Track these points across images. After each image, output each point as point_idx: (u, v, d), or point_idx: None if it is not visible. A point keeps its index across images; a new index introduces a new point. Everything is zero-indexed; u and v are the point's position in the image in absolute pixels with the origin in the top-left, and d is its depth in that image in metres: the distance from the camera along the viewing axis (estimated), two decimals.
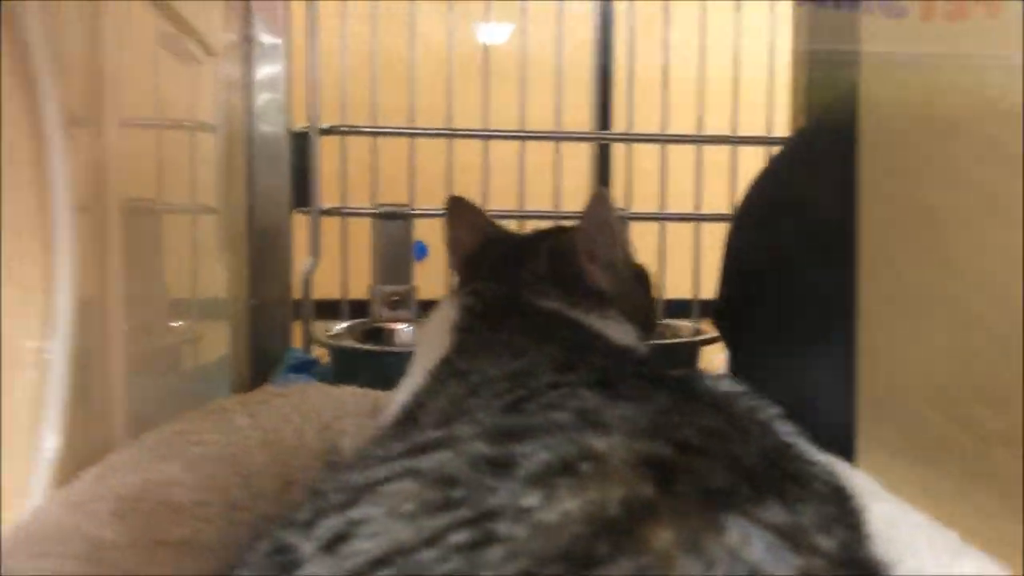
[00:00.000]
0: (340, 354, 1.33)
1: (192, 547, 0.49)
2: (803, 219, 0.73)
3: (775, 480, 0.33)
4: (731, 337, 0.87)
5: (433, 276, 1.51)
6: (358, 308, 1.51)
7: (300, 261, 1.48)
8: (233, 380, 1.27)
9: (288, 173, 1.43)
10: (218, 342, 1.27)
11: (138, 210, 0.80)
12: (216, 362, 1.24)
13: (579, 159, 1.95)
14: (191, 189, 1.17)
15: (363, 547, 0.29)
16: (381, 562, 0.28)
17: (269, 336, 1.46)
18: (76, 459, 0.56)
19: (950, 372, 0.50)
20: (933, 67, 0.51)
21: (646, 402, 0.40)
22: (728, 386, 0.47)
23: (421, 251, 1.63)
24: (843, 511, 0.34)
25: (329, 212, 1.47)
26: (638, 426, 0.35)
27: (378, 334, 1.46)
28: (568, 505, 0.29)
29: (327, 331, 1.39)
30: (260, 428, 0.69)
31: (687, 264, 1.52)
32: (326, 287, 1.50)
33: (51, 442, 0.55)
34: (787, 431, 0.42)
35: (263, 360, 1.41)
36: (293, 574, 0.30)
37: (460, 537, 0.28)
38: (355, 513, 0.32)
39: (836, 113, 0.74)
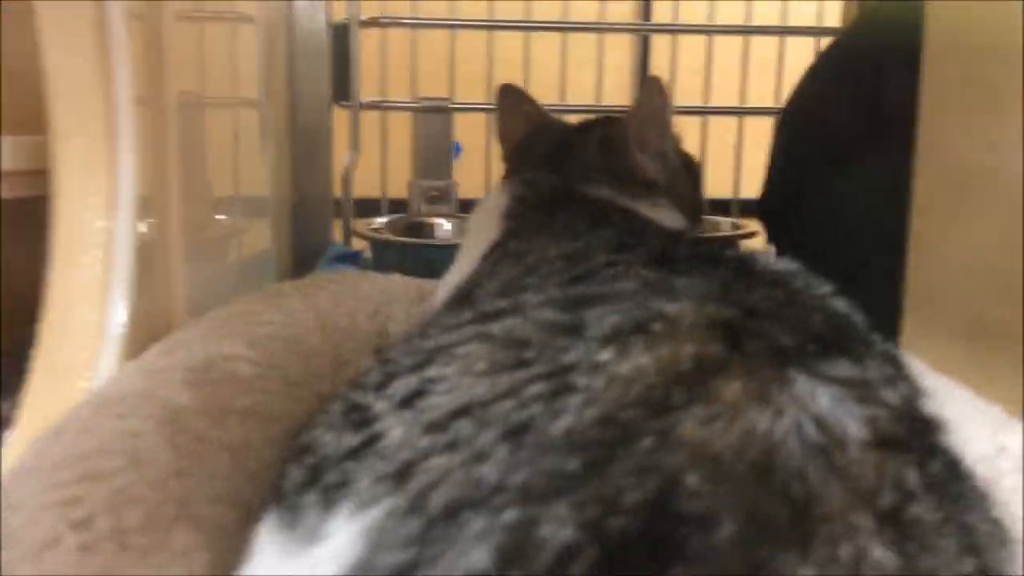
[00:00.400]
0: (382, 247, 1.35)
1: (256, 416, 0.51)
2: (855, 112, 0.72)
3: (840, 341, 0.34)
4: (776, 233, 0.87)
5: (468, 174, 1.51)
6: (397, 207, 1.52)
7: (341, 156, 1.49)
8: (276, 274, 1.29)
9: (328, 67, 1.42)
10: (261, 236, 1.29)
11: (187, 104, 0.80)
12: (259, 255, 1.26)
13: (621, 53, 1.91)
14: (233, 83, 1.17)
15: (439, 402, 0.31)
16: (458, 414, 0.29)
17: (311, 231, 1.47)
18: (142, 335, 0.58)
19: (1004, 253, 0.50)
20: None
21: (707, 276, 0.40)
22: (784, 265, 0.47)
23: (456, 150, 1.62)
24: (903, 372, 0.35)
25: (369, 106, 1.47)
26: (704, 293, 0.36)
27: (418, 228, 1.47)
28: (642, 360, 0.30)
29: (368, 225, 1.41)
30: (315, 311, 0.71)
31: (729, 162, 1.51)
32: (366, 184, 1.50)
33: (119, 316, 0.57)
34: (843, 305, 0.42)
35: (305, 254, 1.43)
36: (371, 428, 0.32)
37: (537, 388, 0.29)
38: (428, 372, 0.33)
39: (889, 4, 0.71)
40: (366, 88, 1.45)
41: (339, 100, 1.45)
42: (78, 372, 0.56)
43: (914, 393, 0.33)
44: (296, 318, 0.69)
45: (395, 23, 1.44)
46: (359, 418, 0.33)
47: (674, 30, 1.51)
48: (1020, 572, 0.31)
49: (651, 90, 0.75)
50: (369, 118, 1.47)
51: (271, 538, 0.31)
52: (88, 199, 0.58)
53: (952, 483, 0.31)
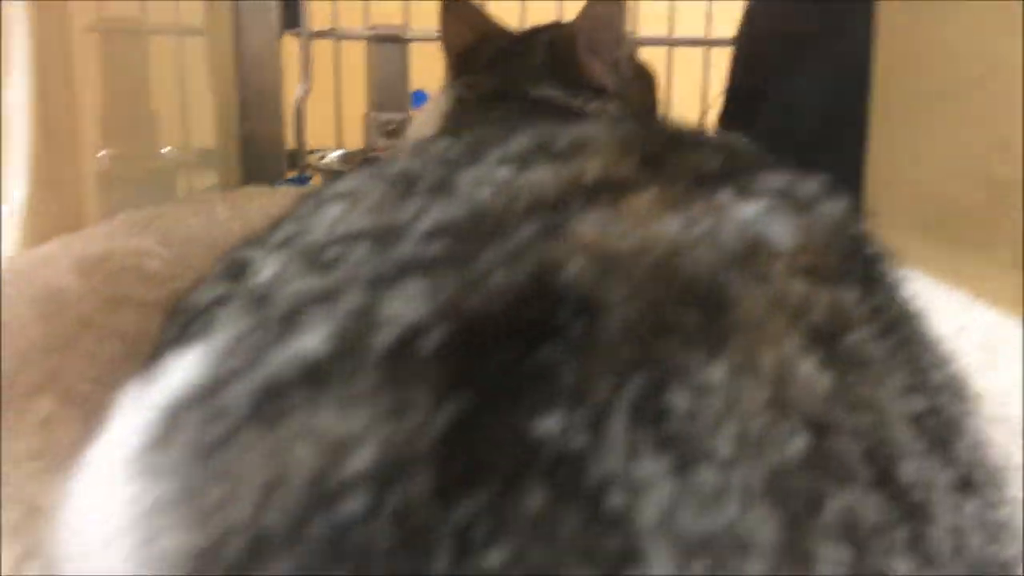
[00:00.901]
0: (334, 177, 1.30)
1: (162, 309, 0.47)
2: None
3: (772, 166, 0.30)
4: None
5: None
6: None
7: (291, 89, 1.43)
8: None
9: None
10: (208, 173, 1.24)
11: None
12: (207, 192, 1.21)
13: None
14: (175, 8, 1.11)
15: (316, 237, 0.27)
16: (332, 243, 0.26)
17: (262, 168, 1.42)
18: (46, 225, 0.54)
19: (967, 130, 0.47)
20: None
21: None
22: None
23: (420, 99, 1.57)
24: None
25: (320, 34, 1.41)
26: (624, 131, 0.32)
27: (372, 161, 1.42)
28: (539, 174, 0.26)
29: (321, 159, 1.36)
30: (241, 219, 0.67)
31: (695, 93, 1.46)
32: (319, 124, 1.45)
33: (17, 191, 0.52)
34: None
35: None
36: (243, 273, 0.28)
37: (415, 202, 0.25)
38: (313, 217, 0.29)
39: None
40: (317, 17, 1.39)
41: (288, 28, 1.39)
42: None
43: (859, 225, 0.30)
44: (220, 225, 0.65)
45: None
46: (236, 270, 0.29)
47: None
48: (978, 421, 0.27)
49: None
50: (321, 47, 1.41)
51: (130, 394, 0.27)
52: None
53: (901, 320, 0.27)
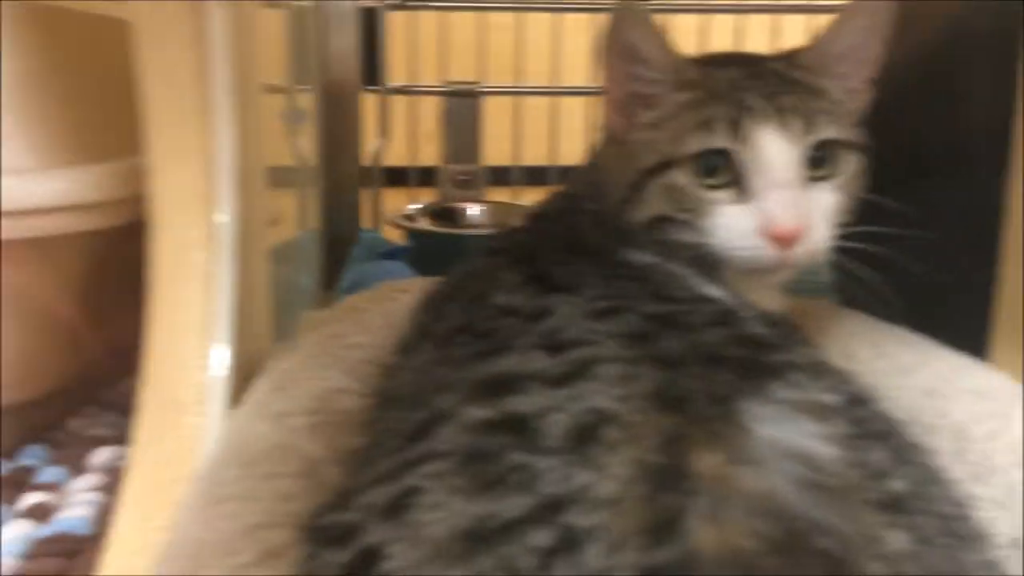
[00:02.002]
0: (418, 237, 1.35)
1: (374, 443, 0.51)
2: (934, 128, 0.71)
3: (757, 361, 0.37)
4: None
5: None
6: (424, 175, 1.51)
7: (370, 142, 1.48)
8: (316, 260, 1.29)
9: (357, 51, 1.40)
10: (294, 222, 1.28)
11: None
12: (298, 242, 1.26)
13: None
14: (267, 70, 1.15)
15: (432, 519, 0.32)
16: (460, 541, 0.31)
17: (340, 217, 1.47)
18: (242, 363, 0.59)
19: None
20: None
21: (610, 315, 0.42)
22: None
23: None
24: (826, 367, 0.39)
25: (398, 90, 1.45)
26: (620, 355, 0.37)
27: (449, 214, 1.46)
28: (619, 471, 0.31)
29: (400, 212, 1.40)
30: (393, 327, 0.71)
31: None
32: (393, 156, 1.50)
33: (224, 350, 0.58)
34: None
35: (335, 240, 1.42)
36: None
37: (539, 539, 0.30)
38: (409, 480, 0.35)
39: None
40: (395, 73, 1.44)
41: (368, 85, 1.44)
42: (188, 408, 0.56)
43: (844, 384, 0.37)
44: (380, 336, 0.69)
45: (423, 6, 1.42)
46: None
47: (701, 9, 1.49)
48: None
49: None
50: (398, 103, 1.46)
51: None
52: (189, 232, 0.58)
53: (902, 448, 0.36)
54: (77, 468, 0.80)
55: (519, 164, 1.53)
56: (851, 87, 0.61)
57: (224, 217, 0.58)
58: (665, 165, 0.58)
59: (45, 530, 0.69)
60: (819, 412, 0.33)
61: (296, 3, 1.21)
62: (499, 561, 0.30)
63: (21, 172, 0.67)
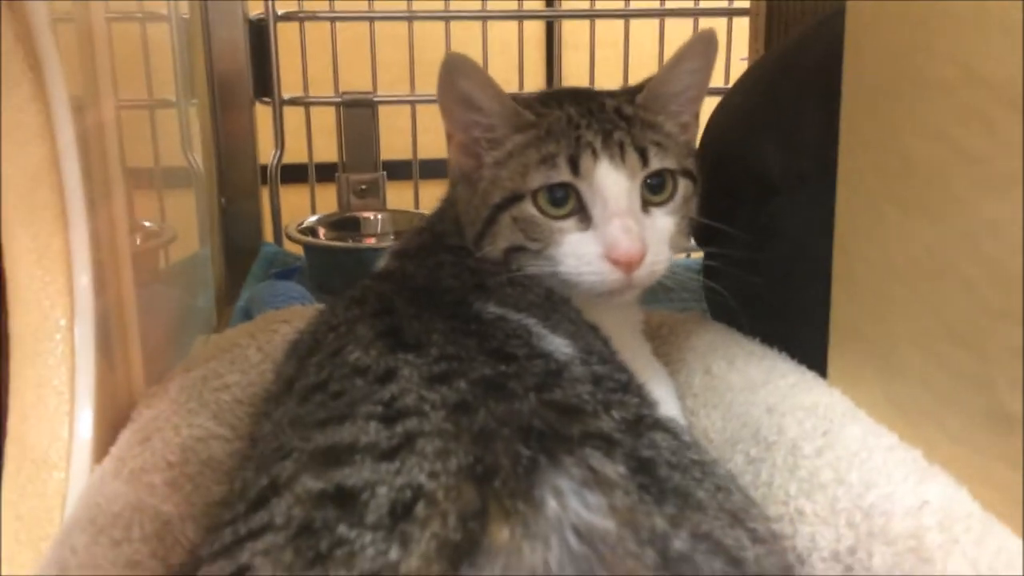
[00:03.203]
0: (314, 251, 1.35)
1: (228, 501, 0.53)
2: (780, 149, 0.75)
3: (564, 429, 0.41)
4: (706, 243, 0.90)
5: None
6: (323, 170, 1.52)
7: (266, 153, 1.47)
8: (214, 278, 1.29)
9: (248, 64, 1.40)
10: (192, 241, 1.28)
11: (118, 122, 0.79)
12: (192, 259, 1.25)
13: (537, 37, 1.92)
14: (149, 86, 1.14)
15: None
16: None
17: (241, 231, 1.47)
18: (109, 410, 0.60)
19: (923, 311, 0.54)
20: (919, 23, 0.53)
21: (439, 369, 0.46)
22: (509, 323, 0.55)
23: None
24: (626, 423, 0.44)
25: (292, 102, 1.45)
26: (441, 427, 0.40)
27: (350, 223, 1.47)
28: (422, 548, 0.34)
29: (299, 225, 1.40)
30: (271, 360, 0.72)
31: None
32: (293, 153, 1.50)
33: (86, 407, 0.58)
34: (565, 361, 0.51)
35: (237, 254, 1.42)
36: None
37: None
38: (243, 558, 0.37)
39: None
40: (287, 84, 1.44)
41: (260, 97, 1.43)
42: (53, 465, 0.57)
43: (633, 453, 0.41)
44: (256, 372, 0.70)
45: (312, 17, 1.42)
46: None
47: (588, 15, 1.53)
48: None
49: None
50: (293, 114, 1.46)
51: None
52: (46, 290, 0.58)
53: (687, 504, 0.39)
54: None
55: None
56: (683, 121, 0.66)
57: (83, 279, 0.58)
58: (513, 199, 0.61)
59: None
60: (605, 486, 0.36)
61: (175, 16, 1.20)
62: None
63: None
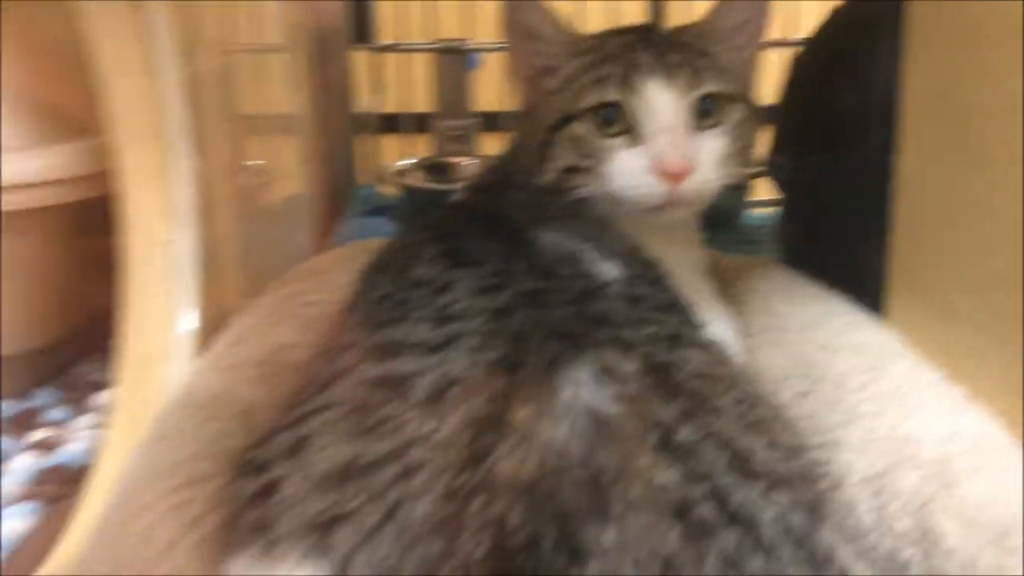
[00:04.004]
0: (410, 193, 1.41)
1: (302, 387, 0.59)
2: (848, 93, 0.75)
3: (589, 331, 0.45)
4: (782, 186, 0.92)
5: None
6: (420, 121, 1.57)
7: (363, 98, 1.53)
8: (310, 217, 1.36)
9: (347, 10, 1.46)
10: (293, 181, 1.35)
11: (221, 63, 0.86)
12: (293, 199, 1.33)
13: None
14: (259, 31, 1.21)
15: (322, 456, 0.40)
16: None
17: (336, 173, 1.53)
18: (209, 315, 0.66)
19: (973, 256, 0.56)
20: None
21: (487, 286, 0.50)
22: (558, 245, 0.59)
23: (471, 62, 1.62)
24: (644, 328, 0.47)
25: (388, 48, 1.50)
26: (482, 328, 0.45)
27: (442, 168, 1.52)
28: (453, 421, 0.39)
29: (394, 168, 1.46)
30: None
31: None
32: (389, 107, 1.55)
33: (189, 310, 0.65)
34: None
35: (335, 194, 1.49)
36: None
37: (389, 472, 0.38)
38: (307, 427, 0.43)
39: None
40: (384, 31, 1.49)
41: (358, 43, 1.49)
42: (158, 360, 0.64)
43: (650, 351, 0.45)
44: (339, 293, 0.76)
45: None
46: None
47: None
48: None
49: None
50: (388, 60, 1.51)
51: None
52: (151, 205, 0.65)
53: (702, 406, 0.42)
54: (80, 408, 0.89)
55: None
56: (743, 57, 0.68)
57: (185, 201, 0.65)
58: (567, 119, 0.65)
59: (50, 461, 0.79)
60: (616, 379, 0.40)
61: None
62: (358, 490, 0.37)
63: (16, 151, 0.75)
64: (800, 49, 0.88)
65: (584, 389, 0.40)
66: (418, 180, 1.45)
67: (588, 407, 0.39)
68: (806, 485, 0.45)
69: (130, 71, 0.64)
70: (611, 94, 0.63)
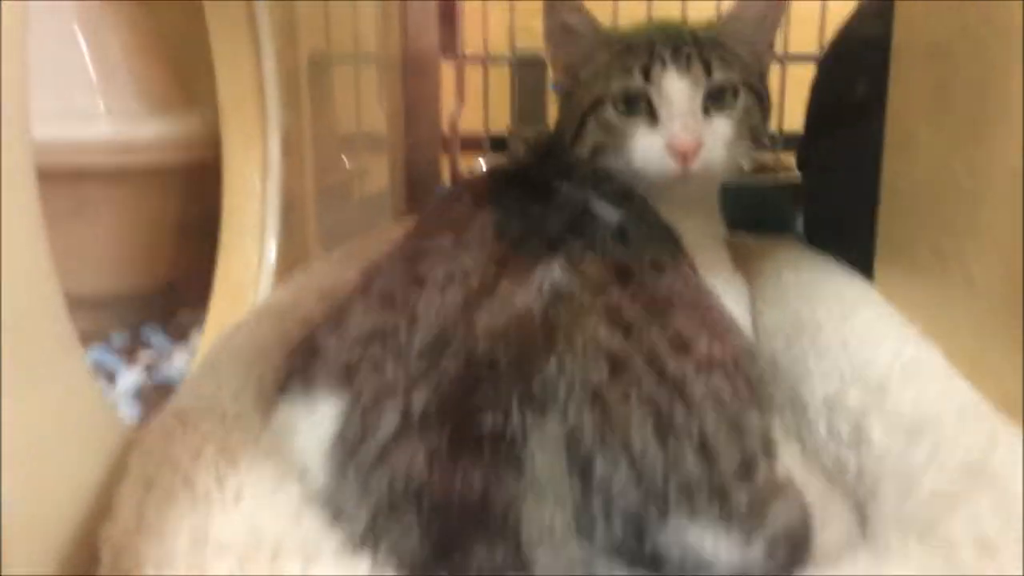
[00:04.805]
0: None
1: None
2: (874, 67, 0.83)
3: (567, 247, 0.55)
4: (810, 184, 1.00)
5: None
6: (497, 143, 1.70)
7: (447, 104, 1.67)
8: (393, 210, 1.50)
9: (436, 23, 1.60)
10: (379, 177, 1.50)
11: (316, 68, 1.00)
12: (378, 195, 1.48)
13: None
14: (354, 41, 1.36)
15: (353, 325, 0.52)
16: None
17: (421, 172, 1.67)
18: (289, 262, 0.80)
19: (956, 228, 0.63)
20: None
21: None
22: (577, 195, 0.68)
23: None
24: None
25: (472, 59, 1.64)
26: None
27: None
28: (451, 294, 0.50)
29: (471, 171, 1.60)
30: None
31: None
32: (468, 122, 1.69)
33: (272, 250, 0.79)
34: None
35: (417, 194, 1.63)
36: None
37: (401, 334, 0.50)
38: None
39: None
40: (469, 42, 1.63)
41: (445, 53, 1.63)
42: (247, 288, 0.78)
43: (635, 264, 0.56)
44: None
45: None
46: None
47: None
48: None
49: None
50: (472, 70, 1.65)
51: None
52: (248, 161, 0.79)
53: (656, 302, 0.53)
54: (180, 341, 1.05)
55: None
56: (757, 50, 0.78)
57: (275, 148, 0.79)
58: (598, 103, 0.76)
59: (153, 379, 0.94)
60: (580, 268, 0.51)
61: None
62: (379, 345, 0.49)
63: (132, 116, 0.91)
64: (824, 53, 0.97)
65: (553, 273, 0.51)
66: None
67: (553, 283, 0.50)
68: (746, 380, 0.54)
69: (238, 58, 0.78)
70: (634, 82, 0.74)
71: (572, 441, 0.43)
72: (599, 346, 0.47)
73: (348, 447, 0.45)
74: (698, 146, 0.71)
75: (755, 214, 0.92)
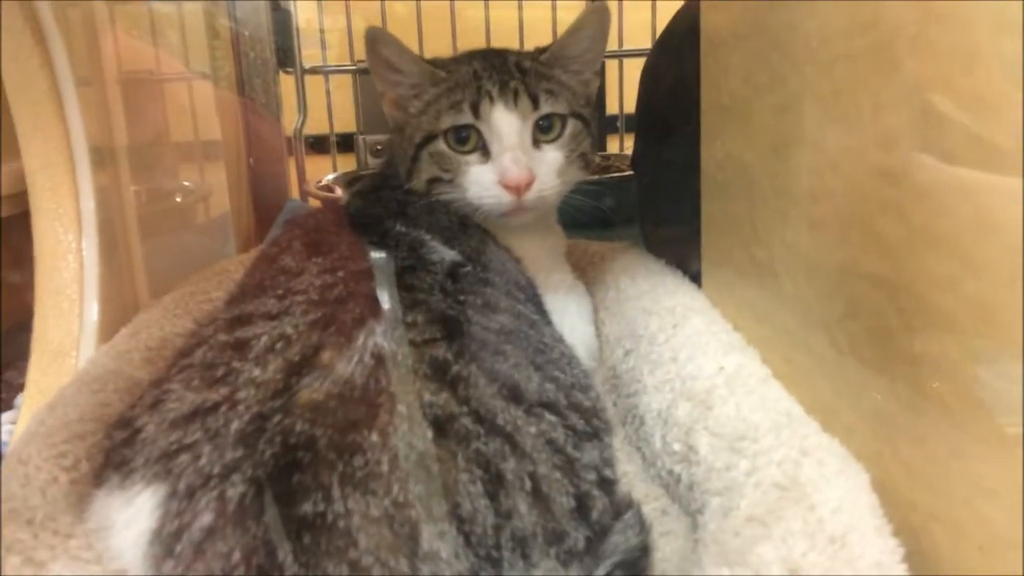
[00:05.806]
0: (331, 204, 1.51)
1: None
2: (678, 89, 0.86)
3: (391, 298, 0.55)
4: (642, 183, 1.02)
5: None
6: (345, 141, 1.67)
7: (290, 119, 1.63)
8: (237, 233, 1.46)
9: (270, 37, 1.56)
10: (221, 200, 1.45)
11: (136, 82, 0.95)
12: (220, 219, 1.42)
13: None
14: (184, 59, 1.31)
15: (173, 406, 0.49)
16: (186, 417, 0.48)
17: (267, 190, 1.63)
18: (114, 317, 0.76)
19: (766, 237, 0.65)
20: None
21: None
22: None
23: None
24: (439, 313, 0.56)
25: (312, 71, 1.61)
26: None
27: (360, 180, 1.62)
28: (272, 367, 0.49)
29: (318, 182, 1.56)
30: None
31: None
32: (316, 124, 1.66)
33: (92, 309, 0.75)
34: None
35: (264, 212, 1.59)
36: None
37: (223, 411, 0.47)
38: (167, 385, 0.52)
39: None
40: (306, 55, 1.59)
41: (283, 67, 1.59)
42: (67, 352, 0.74)
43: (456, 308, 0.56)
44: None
45: None
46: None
47: None
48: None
49: None
50: (312, 82, 1.61)
51: None
52: (60, 219, 0.75)
53: (485, 349, 0.53)
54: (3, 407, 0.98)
55: None
56: (584, 78, 0.79)
57: (88, 204, 0.75)
58: (430, 138, 0.75)
59: None
60: (406, 326, 0.50)
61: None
62: (197, 429, 0.47)
63: None
64: (648, 57, 0.99)
65: (375, 336, 0.50)
66: (338, 193, 1.55)
67: (375, 348, 0.49)
68: (579, 414, 0.55)
69: (36, 99, 0.74)
70: (464, 118, 0.74)
71: (398, 517, 0.42)
72: (424, 410, 0.46)
73: (165, 545, 0.43)
74: (530, 179, 0.72)
75: (598, 212, 0.93)
